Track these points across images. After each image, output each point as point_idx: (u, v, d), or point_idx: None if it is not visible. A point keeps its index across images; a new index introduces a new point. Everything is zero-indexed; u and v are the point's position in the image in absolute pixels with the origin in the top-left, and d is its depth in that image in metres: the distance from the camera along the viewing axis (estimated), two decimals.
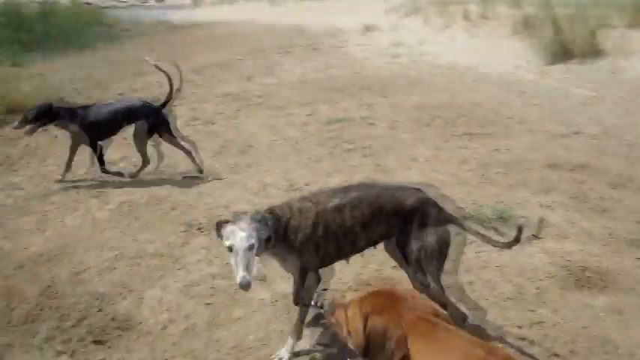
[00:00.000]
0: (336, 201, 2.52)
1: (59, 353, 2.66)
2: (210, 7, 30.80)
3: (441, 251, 2.52)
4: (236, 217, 2.43)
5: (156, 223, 4.14)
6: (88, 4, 23.08)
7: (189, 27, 20.59)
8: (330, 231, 2.48)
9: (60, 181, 4.93)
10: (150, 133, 5.00)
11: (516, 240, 2.48)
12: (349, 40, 14.89)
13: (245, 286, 2.23)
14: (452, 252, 2.67)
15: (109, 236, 3.92)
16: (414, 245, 2.49)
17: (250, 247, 2.27)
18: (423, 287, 2.51)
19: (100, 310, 2.99)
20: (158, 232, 3.98)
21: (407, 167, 5.27)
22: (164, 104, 5.16)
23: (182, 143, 5.28)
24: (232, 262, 2.29)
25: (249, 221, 2.33)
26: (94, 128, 4.85)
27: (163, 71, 5.34)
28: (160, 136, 5.10)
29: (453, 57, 11.33)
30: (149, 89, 9.22)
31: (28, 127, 4.72)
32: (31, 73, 10.86)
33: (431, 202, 2.59)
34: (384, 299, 1.69)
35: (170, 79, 5.25)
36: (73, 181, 5.00)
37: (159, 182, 4.99)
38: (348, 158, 5.65)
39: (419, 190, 2.67)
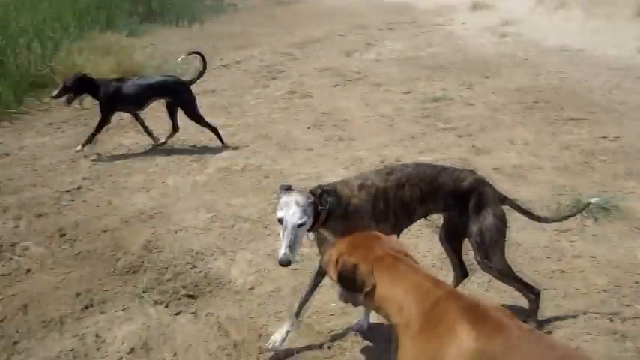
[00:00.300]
0: (395, 178, 2.48)
1: (156, 303, 2.87)
2: None
3: (502, 230, 2.53)
4: (296, 190, 2.30)
5: (250, 190, 4.31)
6: None
7: (295, 2, 20.82)
8: (390, 208, 2.45)
9: (78, 151, 5.04)
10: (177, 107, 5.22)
11: (565, 217, 2.77)
12: (455, 18, 14.39)
13: (285, 263, 2.16)
14: None
15: (206, 199, 4.13)
16: (475, 226, 2.48)
17: (300, 225, 2.19)
18: (489, 268, 2.52)
19: (194, 267, 3.19)
20: (251, 198, 4.14)
21: (504, 149, 5.08)
22: (192, 82, 5.33)
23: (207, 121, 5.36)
24: (280, 234, 2.22)
25: (306, 197, 2.24)
26: (120, 100, 5.03)
27: (200, 54, 5.62)
28: (185, 113, 5.23)
29: (566, 38, 10.64)
30: (249, 61, 9.51)
31: (65, 96, 4.95)
32: (144, 44, 11.53)
33: (486, 182, 2.58)
34: (359, 239, 1.96)
35: (205, 61, 5.50)
36: (175, 147, 5.29)
37: (254, 152, 5.16)
38: (442, 137, 5.53)
39: (473, 171, 2.65)
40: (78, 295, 2.92)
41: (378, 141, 5.48)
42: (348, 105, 6.80)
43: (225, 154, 5.10)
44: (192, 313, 2.79)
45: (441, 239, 2.80)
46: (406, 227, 2.62)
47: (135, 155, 5.06)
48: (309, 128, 5.92)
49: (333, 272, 1.91)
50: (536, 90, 7.09)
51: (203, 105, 6.68)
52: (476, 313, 1.60)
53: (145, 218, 3.79)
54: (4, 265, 3.18)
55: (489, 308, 1.64)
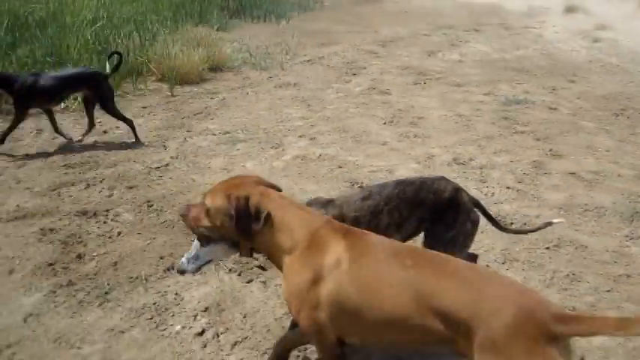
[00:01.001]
0: (372, 203, 2.44)
1: (230, 271, 3.11)
2: None
3: (474, 235, 2.58)
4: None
5: (323, 178, 4.49)
6: None
7: (382, 0, 20.90)
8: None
9: (80, 142, 5.09)
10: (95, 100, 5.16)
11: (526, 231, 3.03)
12: (547, 21, 13.96)
13: (180, 272, 2.19)
14: None
15: (282, 183, 4.31)
16: (450, 233, 2.49)
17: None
18: None
19: None
20: (324, 185, 4.32)
21: (582, 155, 4.97)
22: (109, 75, 5.26)
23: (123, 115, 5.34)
24: None
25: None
26: (32, 94, 4.76)
27: (118, 53, 5.58)
28: (101, 105, 5.19)
29: None
30: (332, 58, 9.71)
31: None
32: (232, 38, 12.00)
33: (461, 188, 2.60)
34: (237, 180, 2.09)
35: (120, 57, 5.45)
36: (257, 136, 5.55)
37: (331, 143, 5.33)
38: (519, 140, 5.48)
39: (445, 178, 2.65)
40: (161, 258, 3.21)
41: (453, 139, 5.51)
42: (425, 103, 6.85)
43: (302, 143, 5.32)
44: (262, 282, 3.00)
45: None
46: None
47: (219, 139, 5.37)
48: (385, 124, 6.02)
49: (222, 212, 1.96)
50: (625, 97, 6.84)
51: (284, 97, 7.02)
52: (347, 231, 1.93)
53: None
54: (99, 228, 3.54)
55: (359, 230, 1.97)
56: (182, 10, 13.17)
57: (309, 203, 2.45)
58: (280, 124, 5.83)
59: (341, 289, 1.79)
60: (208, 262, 2.18)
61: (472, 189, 4.37)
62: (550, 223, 2.78)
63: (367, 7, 18.80)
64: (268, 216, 1.92)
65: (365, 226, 2.27)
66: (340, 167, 4.71)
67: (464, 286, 1.67)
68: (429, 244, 2.58)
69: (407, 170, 4.64)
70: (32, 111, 6.13)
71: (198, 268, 2.17)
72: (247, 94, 7.23)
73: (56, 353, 2.42)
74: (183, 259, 2.16)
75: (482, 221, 3.56)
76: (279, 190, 2.13)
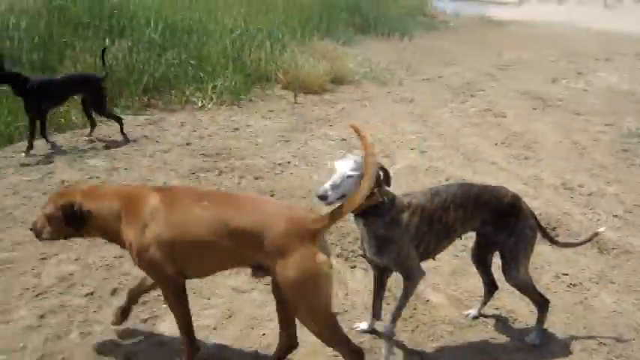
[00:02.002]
0: (440, 199, 2.59)
1: (337, 256, 3.50)
2: (537, 5, 29.90)
3: (533, 243, 2.71)
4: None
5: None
6: None
7: (508, 24, 20.57)
8: (434, 228, 2.58)
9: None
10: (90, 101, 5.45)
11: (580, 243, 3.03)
12: None
13: (321, 196, 2.34)
14: None
15: (390, 188, 4.67)
16: (511, 240, 2.64)
17: (349, 176, 2.36)
18: (515, 278, 2.70)
19: None
20: None
21: None
22: (103, 78, 5.50)
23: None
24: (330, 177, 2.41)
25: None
26: (38, 98, 5.02)
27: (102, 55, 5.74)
28: (94, 106, 5.47)
29: None
30: (451, 77, 9.88)
31: None
32: (356, 52, 12.51)
33: (521, 198, 2.73)
34: (60, 190, 2.56)
35: (104, 62, 5.69)
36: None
37: (440, 157, 5.57)
38: (636, 172, 5.41)
39: (506, 188, 2.81)
40: None
41: (564, 165, 5.54)
42: (541, 129, 6.86)
43: (412, 155, 5.62)
44: (364, 269, 3.36)
45: (473, 258, 2.93)
46: (443, 250, 2.75)
47: (336, 144, 5.82)
48: (497, 145, 6.16)
49: (52, 216, 2.36)
50: None
51: (400, 112, 7.35)
52: (158, 188, 2.42)
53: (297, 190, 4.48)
54: None
55: (168, 185, 2.58)
56: (311, 23, 13.90)
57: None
58: (394, 136, 6.17)
59: (162, 231, 2.23)
60: (344, 196, 2.37)
61: (577, 214, 4.45)
62: (597, 234, 3.01)
63: (493, 30, 18.65)
64: (89, 213, 2.33)
65: (437, 220, 2.58)
66: (447, 180, 4.95)
67: (250, 211, 2.21)
68: (493, 250, 2.82)
69: (512, 189, 4.77)
70: (175, 107, 7.02)
71: (339, 198, 2.37)
72: (365, 106, 7.66)
73: (194, 301, 2.91)
74: (326, 185, 2.37)
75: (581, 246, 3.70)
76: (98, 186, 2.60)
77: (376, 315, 2.84)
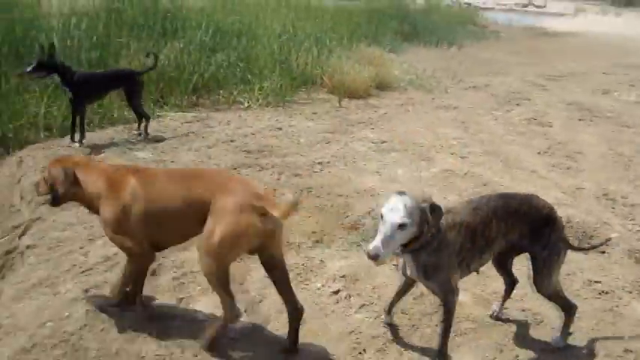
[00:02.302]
0: (482, 213, 2.51)
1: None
2: (593, 17, 29.16)
3: (565, 254, 2.68)
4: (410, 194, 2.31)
5: (466, 192, 4.77)
6: (468, 4, 24.56)
7: (561, 35, 20.19)
8: (477, 244, 2.51)
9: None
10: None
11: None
12: None
13: (373, 256, 2.19)
14: None
15: (426, 190, 4.71)
16: (545, 252, 2.60)
17: (401, 226, 2.21)
18: (546, 289, 2.67)
19: None
20: (465, 198, 4.59)
21: None
22: (141, 73, 5.81)
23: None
24: (379, 229, 2.26)
25: (417, 202, 2.27)
26: (81, 90, 5.24)
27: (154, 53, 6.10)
28: (129, 100, 5.65)
29: None
30: (498, 86, 9.80)
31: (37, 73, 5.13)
32: (402, 60, 12.55)
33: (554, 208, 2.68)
34: (59, 157, 2.85)
35: (156, 60, 6.03)
36: (409, 149, 5.97)
37: (480, 163, 5.57)
38: None
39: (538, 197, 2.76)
40: (313, 232, 3.80)
41: (607, 176, 5.45)
42: (587, 139, 6.74)
43: (452, 160, 5.64)
44: (395, 265, 3.42)
45: (495, 262, 2.87)
46: (484, 264, 2.71)
47: (376, 147, 5.89)
48: (539, 153, 6.10)
49: (43, 187, 2.73)
50: None
51: (443, 118, 7.36)
52: (135, 170, 2.70)
53: (372, 193, 4.55)
54: None
55: (143, 167, 2.88)
56: (359, 30, 14.03)
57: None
58: (434, 141, 6.20)
59: (140, 207, 2.54)
60: (396, 248, 2.31)
61: (616, 224, 4.38)
62: (609, 239, 3.14)
63: (546, 41, 18.35)
64: (74, 176, 2.65)
65: (480, 235, 2.50)
66: (484, 185, 4.95)
67: (209, 182, 2.53)
68: (516, 255, 2.79)
69: (550, 198, 4.72)
70: (222, 106, 7.25)
71: (390, 254, 2.29)
72: (408, 111, 7.72)
73: None
74: (377, 243, 2.23)
75: (617, 255, 3.68)
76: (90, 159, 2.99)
77: (389, 311, 2.89)
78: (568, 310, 2.80)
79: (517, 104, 8.54)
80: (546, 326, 2.99)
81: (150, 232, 2.58)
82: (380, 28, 15.18)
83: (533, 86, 10.08)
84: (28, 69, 5.06)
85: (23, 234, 3.80)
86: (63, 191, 2.66)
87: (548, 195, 4.79)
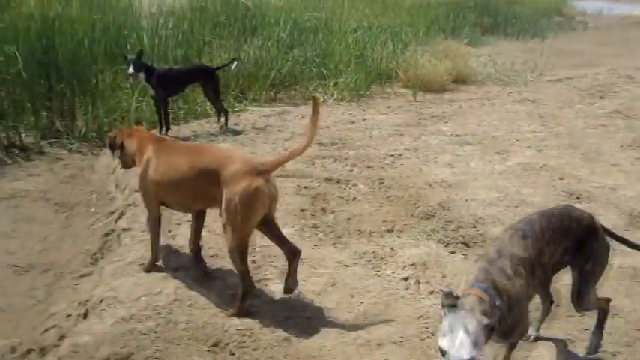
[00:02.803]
0: (533, 242, 2.30)
1: (438, 241, 3.67)
2: None
3: (607, 261, 2.51)
4: (465, 307, 1.92)
5: (541, 185, 4.72)
6: None
7: None
8: (536, 274, 2.31)
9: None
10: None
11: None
12: None
13: None
14: None
15: (500, 183, 4.72)
16: (589, 263, 2.43)
17: (486, 327, 1.86)
18: (586, 304, 2.51)
19: (474, 227, 3.86)
20: (540, 191, 4.57)
21: None
22: (218, 68, 6.25)
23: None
24: None
25: (478, 318, 1.87)
26: (161, 85, 5.65)
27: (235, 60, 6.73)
28: (208, 92, 6.07)
29: None
30: (581, 79, 9.43)
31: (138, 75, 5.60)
32: (480, 53, 12.33)
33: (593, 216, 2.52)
34: (121, 127, 3.55)
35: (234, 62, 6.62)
36: (485, 142, 5.93)
37: (557, 156, 5.45)
38: None
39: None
40: (384, 222, 3.92)
41: None
42: None
43: (528, 153, 5.56)
44: (464, 254, 3.50)
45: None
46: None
47: (449, 140, 5.91)
48: (622, 147, 5.88)
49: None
50: None
51: (520, 111, 7.24)
52: (155, 140, 3.23)
53: (444, 185, 4.61)
54: (340, 192, 4.40)
55: (163, 138, 3.55)
56: (436, 24, 13.87)
57: (479, 258, 2.40)
58: (510, 135, 6.12)
59: (153, 172, 3.03)
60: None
61: None
62: None
63: (638, 30, 17.31)
64: (122, 146, 3.29)
65: (537, 265, 2.29)
66: (561, 179, 4.87)
67: (214, 155, 2.97)
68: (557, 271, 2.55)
69: (633, 192, 4.59)
70: (298, 101, 7.49)
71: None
72: (484, 104, 7.62)
73: (302, 268, 3.24)
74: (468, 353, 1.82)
75: None
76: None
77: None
78: (603, 313, 2.63)
79: (601, 97, 8.21)
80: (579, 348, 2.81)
81: (161, 192, 3.07)
82: (458, 21, 14.93)
83: (621, 78, 9.61)
84: (130, 70, 5.52)
85: (119, 218, 4.17)
86: (116, 156, 3.42)
87: (632, 189, 4.67)
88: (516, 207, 4.23)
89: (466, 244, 3.62)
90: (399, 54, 9.77)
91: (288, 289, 3.00)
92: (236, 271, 2.91)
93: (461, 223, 3.90)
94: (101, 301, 3.02)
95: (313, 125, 2.83)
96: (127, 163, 3.41)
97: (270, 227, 2.97)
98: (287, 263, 2.99)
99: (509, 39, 14.96)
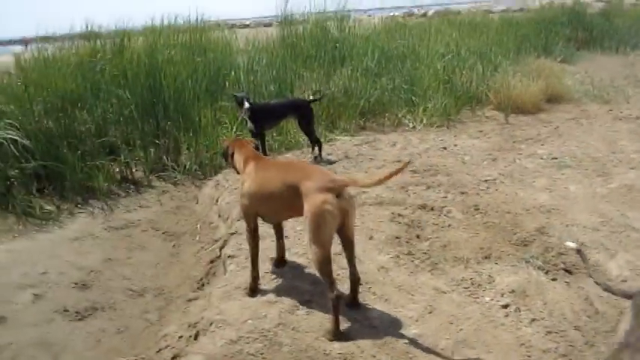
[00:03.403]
0: None
1: (538, 268, 3.59)
2: None
3: None
4: None
5: None
6: None
7: None
8: None
9: None
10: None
11: None
12: None
13: None
14: None
15: (602, 207, 4.55)
16: None
17: None
18: None
19: (577, 254, 3.74)
20: None
21: None
22: (312, 102, 6.55)
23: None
24: None
25: None
26: (258, 119, 5.99)
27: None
28: (303, 125, 6.25)
29: None
30: None
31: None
32: (576, 70, 11.91)
33: None
34: (233, 140, 3.88)
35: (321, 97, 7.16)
36: (582, 162, 5.73)
37: None
38: None
39: None
40: (481, 248, 3.89)
41: None
42: None
43: (632, 174, 5.30)
44: (566, 282, 3.41)
45: None
46: None
47: (546, 163, 5.76)
48: None
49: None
50: None
51: (622, 130, 6.95)
52: (256, 157, 3.57)
53: (542, 210, 4.50)
54: (434, 219, 4.42)
55: (262, 156, 3.79)
56: (526, 42, 13.55)
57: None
58: (612, 155, 5.87)
59: (251, 186, 3.37)
60: None
61: None
62: None
63: None
64: (232, 155, 3.65)
65: None
66: None
67: (299, 170, 3.23)
68: None
69: None
70: (388, 128, 7.60)
71: None
72: (582, 124, 7.37)
73: (399, 295, 3.32)
74: None
75: None
76: (249, 142, 3.79)
77: None
78: None
79: None
80: None
81: (258, 205, 3.39)
82: (550, 38, 14.49)
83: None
84: (247, 105, 5.99)
85: (223, 246, 4.45)
86: (228, 162, 3.77)
87: None
88: (621, 232, 4.06)
89: (568, 272, 3.53)
90: (488, 76, 9.66)
91: (350, 304, 3.25)
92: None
93: (561, 249, 3.80)
94: (211, 324, 3.25)
95: (390, 174, 3.00)
96: (236, 170, 3.79)
97: (344, 243, 3.16)
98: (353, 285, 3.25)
99: (606, 53, 14.32)
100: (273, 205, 3.34)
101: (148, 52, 7.91)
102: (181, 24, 10.43)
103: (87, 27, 9.79)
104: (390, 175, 3.02)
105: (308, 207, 2.98)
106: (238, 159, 3.61)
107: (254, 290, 3.52)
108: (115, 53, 8.47)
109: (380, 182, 3.11)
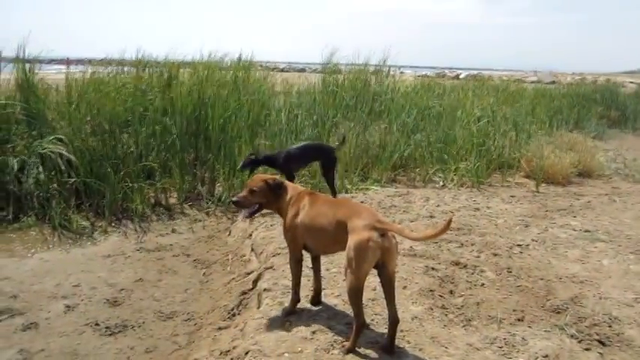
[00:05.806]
0: None
1: (571, 336, 3.59)
2: None
3: None
4: None
5: None
6: None
7: None
8: None
9: None
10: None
11: None
12: None
13: None
14: None
15: (636, 284, 4.51)
16: None
17: None
18: None
19: (610, 326, 3.74)
20: None
21: None
22: (337, 148, 6.71)
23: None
24: None
25: None
26: (284, 164, 6.25)
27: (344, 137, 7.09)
28: (325, 170, 6.45)
29: None
30: None
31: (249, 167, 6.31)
32: (608, 147, 12.03)
33: None
34: (262, 175, 3.90)
35: (344, 140, 7.08)
36: (616, 238, 5.74)
37: None
38: None
39: None
40: (514, 310, 3.91)
41: None
42: None
43: None
44: (600, 353, 3.40)
45: None
46: None
47: (578, 235, 5.78)
48: None
49: (250, 199, 3.71)
50: None
51: None
52: (310, 193, 3.74)
53: (575, 280, 4.51)
54: (467, 276, 4.45)
55: (315, 192, 3.90)
56: (559, 115, 13.77)
57: None
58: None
59: (304, 218, 3.55)
60: None
61: None
62: None
63: None
64: (285, 186, 3.73)
65: None
66: None
67: (348, 208, 3.39)
68: None
69: None
70: (418, 184, 7.70)
71: None
72: (615, 201, 7.40)
73: (433, 346, 3.35)
74: None
75: None
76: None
77: None
78: None
79: None
80: None
81: (307, 237, 3.57)
82: (583, 113, 14.69)
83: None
84: (240, 166, 6.40)
85: (258, 279, 4.53)
86: (266, 200, 3.72)
87: None
88: None
89: (602, 343, 3.52)
90: (521, 144, 9.79)
91: (384, 349, 3.29)
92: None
93: (595, 320, 3.80)
94: (247, 353, 3.31)
95: (438, 232, 3.16)
96: (274, 206, 3.86)
97: (384, 283, 3.27)
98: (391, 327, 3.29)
99: (638, 134, 14.40)
100: (322, 238, 3.50)
101: (197, 85, 8.21)
102: (226, 61, 10.87)
103: (137, 54, 10.26)
104: (438, 233, 3.15)
105: (351, 240, 3.16)
106: (292, 192, 3.73)
107: (291, 313, 3.75)
108: (163, 83, 8.82)
109: (426, 238, 3.25)
